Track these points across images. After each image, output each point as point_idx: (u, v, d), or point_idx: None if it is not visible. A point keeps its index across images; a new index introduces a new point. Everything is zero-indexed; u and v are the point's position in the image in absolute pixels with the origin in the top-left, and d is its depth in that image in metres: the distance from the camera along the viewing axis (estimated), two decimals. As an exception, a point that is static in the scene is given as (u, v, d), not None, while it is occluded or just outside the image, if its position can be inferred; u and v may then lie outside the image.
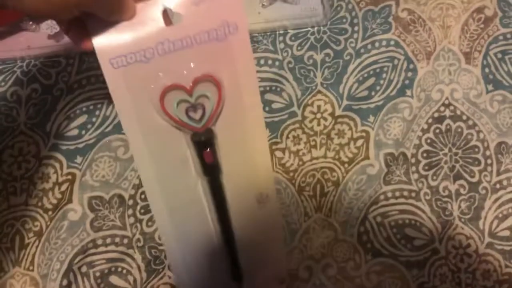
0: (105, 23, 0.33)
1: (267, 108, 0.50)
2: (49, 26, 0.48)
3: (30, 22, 0.49)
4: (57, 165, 0.48)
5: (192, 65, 0.35)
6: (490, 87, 0.53)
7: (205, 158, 0.38)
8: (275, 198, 0.43)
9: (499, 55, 0.53)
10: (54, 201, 0.47)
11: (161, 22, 0.34)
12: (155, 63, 0.34)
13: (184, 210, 0.40)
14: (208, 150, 0.37)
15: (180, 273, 0.43)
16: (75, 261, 0.46)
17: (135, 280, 0.47)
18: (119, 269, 0.47)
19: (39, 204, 0.47)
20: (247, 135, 0.39)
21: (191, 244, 0.42)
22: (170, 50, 0.34)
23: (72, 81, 0.49)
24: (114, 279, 0.46)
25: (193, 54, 0.35)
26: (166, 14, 0.34)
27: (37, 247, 0.46)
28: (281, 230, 0.46)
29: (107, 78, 0.35)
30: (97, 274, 0.46)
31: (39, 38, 0.49)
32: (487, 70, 0.53)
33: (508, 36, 0.54)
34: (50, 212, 0.47)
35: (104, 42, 0.33)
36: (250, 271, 0.43)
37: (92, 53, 0.48)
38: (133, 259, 0.47)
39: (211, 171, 0.39)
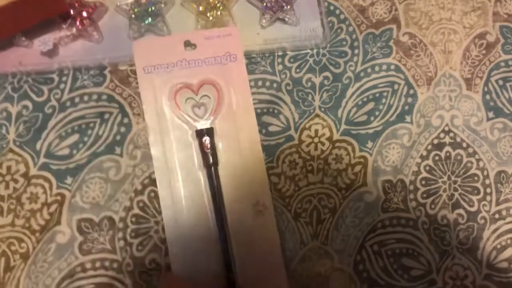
0: None
1: (263, 131, 0.51)
2: (42, 43, 0.49)
3: (23, 38, 0.50)
4: (47, 185, 0.48)
5: (200, 77, 0.50)
6: (491, 115, 0.54)
7: (204, 146, 0.47)
8: (272, 210, 0.47)
9: (501, 82, 0.55)
10: (42, 223, 0.48)
11: (182, 48, 0.50)
12: (174, 73, 0.49)
13: (186, 201, 0.47)
14: (206, 137, 0.47)
15: (178, 266, 0.46)
16: (62, 286, 0.47)
17: (124, 307, 0.47)
18: (108, 295, 0.47)
19: (26, 225, 0.48)
20: (241, 137, 0.49)
21: (190, 237, 0.47)
22: (186, 66, 0.50)
23: (65, 98, 0.50)
24: (102, 305, 0.47)
25: (201, 71, 0.50)
26: (187, 43, 0.50)
27: (22, 270, 0.47)
28: (278, 243, 0.47)
29: (139, 79, 0.49)
30: (85, 299, 0.47)
31: (32, 54, 0.50)
32: (488, 97, 0.55)
33: (510, 63, 0.56)
34: (37, 234, 0.48)
35: (141, 55, 0.49)
36: (248, 283, 0.46)
37: (86, 70, 0.50)
38: (123, 284, 0.48)
39: (209, 160, 0.47)
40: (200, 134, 0.48)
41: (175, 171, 0.47)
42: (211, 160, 0.47)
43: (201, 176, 0.48)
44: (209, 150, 0.47)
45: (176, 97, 0.49)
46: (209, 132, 0.48)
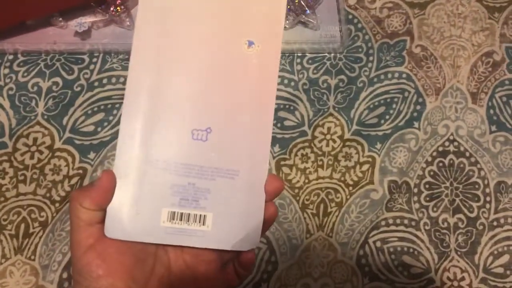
0: None
1: (279, 125, 0.55)
2: (78, 24, 0.53)
3: (60, 19, 0.54)
4: (70, 158, 0.52)
5: None
6: (493, 128, 0.59)
7: None
8: None
9: (504, 99, 0.60)
10: (63, 194, 0.51)
11: None
12: None
13: None
14: None
15: None
16: (77, 255, 0.50)
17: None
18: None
19: (47, 195, 0.51)
20: None
21: None
22: None
23: (93, 79, 0.54)
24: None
25: None
26: None
27: (40, 237, 0.50)
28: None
29: None
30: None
31: (66, 35, 0.54)
32: (492, 111, 0.59)
33: (514, 81, 0.60)
34: (57, 204, 0.51)
35: None
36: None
37: (115, 54, 0.53)
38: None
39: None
40: None
41: None
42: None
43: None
44: None
45: None
46: None
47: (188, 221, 0.33)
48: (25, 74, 0.53)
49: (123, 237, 0.32)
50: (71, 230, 0.31)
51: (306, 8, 0.57)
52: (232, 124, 0.34)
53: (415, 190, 0.56)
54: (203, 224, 0.33)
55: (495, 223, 0.56)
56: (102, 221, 0.31)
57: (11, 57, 0.54)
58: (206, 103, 0.34)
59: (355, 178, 0.55)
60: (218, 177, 0.34)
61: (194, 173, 0.33)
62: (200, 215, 0.33)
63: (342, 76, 0.57)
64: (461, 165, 0.57)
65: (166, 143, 0.33)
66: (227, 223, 0.34)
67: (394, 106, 0.57)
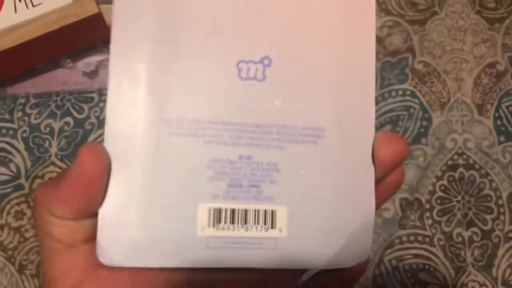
0: None
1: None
2: (86, 64, 0.55)
3: (68, 60, 0.56)
4: (84, 196, 0.53)
5: None
6: (502, 139, 0.59)
7: None
8: None
9: (511, 109, 0.60)
10: (79, 231, 0.52)
11: None
12: None
13: None
14: None
15: None
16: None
17: None
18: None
19: (65, 233, 0.52)
20: None
21: None
22: None
23: (103, 116, 0.55)
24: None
25: None
26: None
27: (60, 275, 0.51)
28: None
29: None
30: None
31: (75, 75, 0.56)
32: (499, 122, 0.59)
33: (519, 90, 0.61)
34: (74, 242, 0.52)
35: None
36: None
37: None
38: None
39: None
40: None
41: None
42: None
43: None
44: None
45: None
46: None
47: (245, 223, 0.20)
48: (37, 116, 0.55)
49: (132, 262, 0.19)
50: (42, 256, 0.19)
51: (307, 33, 0.58)
52: (306, 48, 0.21)
53: (427, 206, 0.56)
54: (271, 227, 0.20)
55: (510, 235, 0.56)
56: (92, 237, 0.19)
57: (23, 100, 0.56)
58: (258, 15, 0.20)
59: (366, 198, 0.56)
60: (290, 143, 0.20)
61: (247, 139, 0.20)
62: (266, 212, 0.20)
63: (347, 97, 0.58)
64: (472, 178, 0.58)
65: (193, 89, 0.20)
66: (312, 222, 0.21)
67: (400, 123, 0.58)
